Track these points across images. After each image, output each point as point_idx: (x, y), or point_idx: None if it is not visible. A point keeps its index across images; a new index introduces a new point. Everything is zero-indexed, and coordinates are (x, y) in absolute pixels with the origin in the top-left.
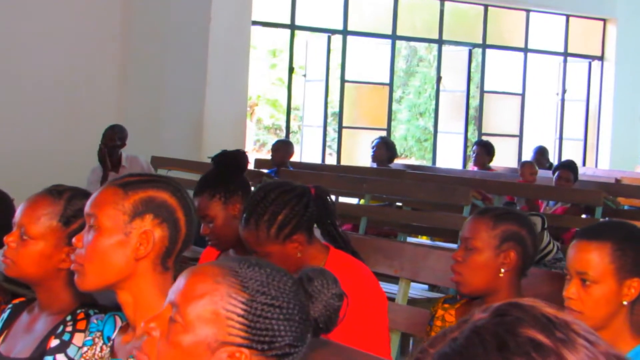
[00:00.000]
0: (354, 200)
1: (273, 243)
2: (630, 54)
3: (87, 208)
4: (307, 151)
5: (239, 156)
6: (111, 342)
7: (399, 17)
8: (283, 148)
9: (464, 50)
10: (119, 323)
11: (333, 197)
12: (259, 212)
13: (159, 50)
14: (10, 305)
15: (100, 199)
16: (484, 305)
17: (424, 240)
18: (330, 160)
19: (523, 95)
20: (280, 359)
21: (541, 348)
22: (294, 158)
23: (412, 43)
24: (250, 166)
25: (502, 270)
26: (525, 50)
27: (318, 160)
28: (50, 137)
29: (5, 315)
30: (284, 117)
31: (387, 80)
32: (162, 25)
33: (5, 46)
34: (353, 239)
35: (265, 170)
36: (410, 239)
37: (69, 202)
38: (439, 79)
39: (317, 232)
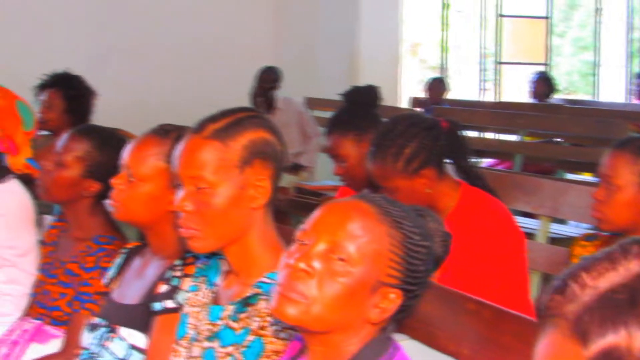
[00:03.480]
0: (512, 138)
1: (401, 177)
2: None
3: (185, 170)
4: (465, 88)
5: (371, 91)
6: (216, 287)
7: None
8: (437, 86)
9: None
10: (224, 268)
11: (490, 135)
12: (386, 145)
13: None
14: (125, 250)
15: (201, 157)
16: None
17: (587, 177)
18: (488, 96)
19: None
20: (409, 301)
21: None
22: (452, 95)
23: None
24: (406, 105)
25: None
26: None
27: (475, 98)
28: (205, 81)
29: (120, 260)
30: (444, 55)
31: (545, 14)
32: None
33: None
34: (488, 176)
35: (418, 109)
36: (570, 176)
37: (176, 142)
38: (599, 11)
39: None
